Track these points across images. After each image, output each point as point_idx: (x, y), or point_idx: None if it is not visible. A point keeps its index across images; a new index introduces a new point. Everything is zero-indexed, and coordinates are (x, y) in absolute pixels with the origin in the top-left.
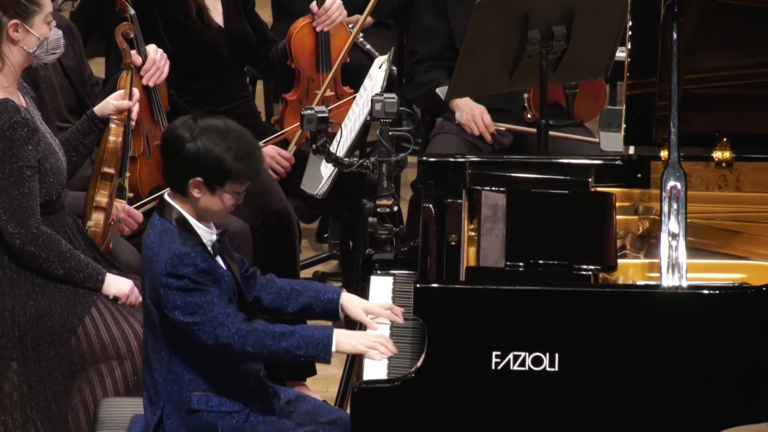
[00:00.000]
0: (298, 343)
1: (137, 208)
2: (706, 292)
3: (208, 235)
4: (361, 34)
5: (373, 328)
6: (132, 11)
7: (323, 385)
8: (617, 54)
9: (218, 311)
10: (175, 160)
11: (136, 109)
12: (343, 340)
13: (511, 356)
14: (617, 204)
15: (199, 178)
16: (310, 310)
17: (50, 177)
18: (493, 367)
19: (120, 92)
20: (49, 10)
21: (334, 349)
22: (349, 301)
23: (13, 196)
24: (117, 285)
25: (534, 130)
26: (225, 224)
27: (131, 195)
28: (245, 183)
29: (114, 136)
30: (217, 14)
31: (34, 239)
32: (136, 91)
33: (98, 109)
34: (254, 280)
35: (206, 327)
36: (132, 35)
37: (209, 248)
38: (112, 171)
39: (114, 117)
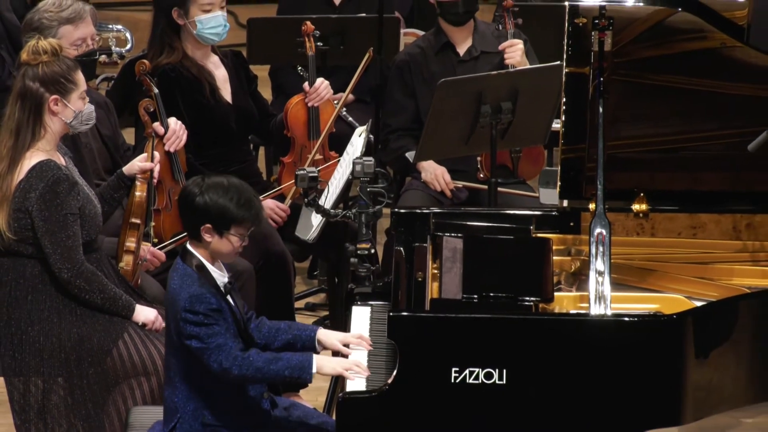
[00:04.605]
0: (284, 367)
1: (160, 248)
2: (626, 319)
3: (221, 278)
4: (344, 109)
5: (347, 354)
6: (156, 90)
7: (314, 395)
8: (553, 125)
9: (223, 342)
10: (189, 212)
11: (157, 169)
12: (325, 364)
13: (467, 371)
14: (554, 247)
15: (208, 225)
16: (292, 346)
17: (88, 221)
18: (452, 381)
19: (143, 155)
20: (84, 88)
21: (314, 371)
22: (325, 335)
23: (60, 239)
24: (144, 314)
25: (486, 186)
26: (234, 264)
27: (156, 240)
28: (248, 227)
29: (139, 191)
30: (226, 93)
31: (79, 273)
32: (157, 155)
33: (126, 169)
34: (251, 320)
35: (213, 354)
36: (152, 109)
37: (222, 288)
38: (138, 221)
39: (139, 176)
